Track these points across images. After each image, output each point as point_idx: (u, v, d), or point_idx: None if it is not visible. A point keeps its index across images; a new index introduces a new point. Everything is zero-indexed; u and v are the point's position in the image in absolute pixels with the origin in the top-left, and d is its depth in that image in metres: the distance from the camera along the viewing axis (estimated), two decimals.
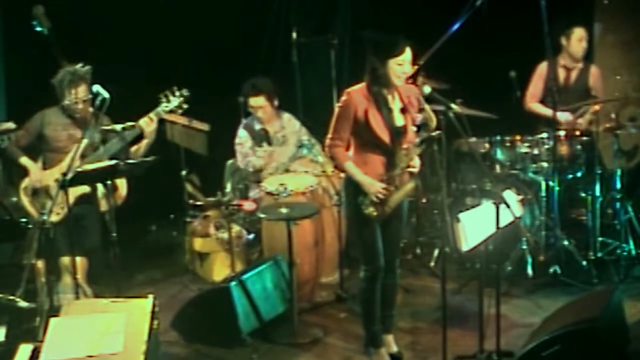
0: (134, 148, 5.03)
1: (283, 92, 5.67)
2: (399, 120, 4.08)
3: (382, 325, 4.35)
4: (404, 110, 4.11)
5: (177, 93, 5.00)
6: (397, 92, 4.09)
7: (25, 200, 4.97)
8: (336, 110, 4.12)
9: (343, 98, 4.07)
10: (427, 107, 4.04)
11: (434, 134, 4.02)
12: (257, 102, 5.52)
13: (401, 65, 3.96)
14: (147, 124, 4.93)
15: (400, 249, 4.40)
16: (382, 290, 4.29)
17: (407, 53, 3.98)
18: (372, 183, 4.03)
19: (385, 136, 4.02)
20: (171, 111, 5.01)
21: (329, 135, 4.12)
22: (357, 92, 4.05)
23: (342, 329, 4.81)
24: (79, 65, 4.90)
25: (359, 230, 4.16)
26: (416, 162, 4.12)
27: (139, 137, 5.01)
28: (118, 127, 4.61)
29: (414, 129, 4.13)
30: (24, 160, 4.98)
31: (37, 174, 4.96)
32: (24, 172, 5.00)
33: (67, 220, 4.63)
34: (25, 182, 4.98)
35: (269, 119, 5.59)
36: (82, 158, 4.84)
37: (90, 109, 4.90)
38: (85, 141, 4.85)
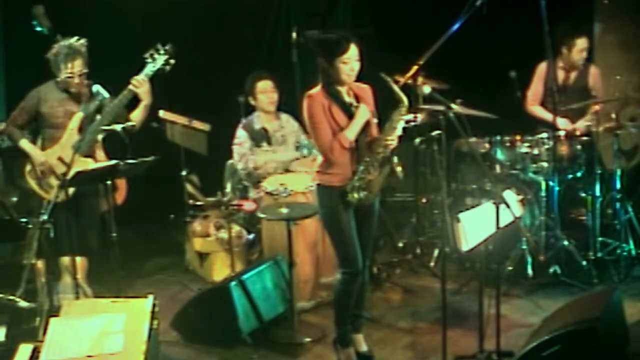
0: (133, 113, 4.92)
1: (283, 92, 5.67)
2: None
3: (352, 325, 4.33)
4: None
5: (162, 50, 4.85)
6: (350, 90, 4.09)
7: (33, 183, 4.93)
8: (310, 117, 3.99)
9: (307, 101, 4.01)
10: (395, 88, 4.01)
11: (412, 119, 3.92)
12: (266, 84, 5.53)
13: (347, 63, 3.95)
14: (139, 88, 4.81)
15: (371, 249, 4.35)
16: None
17: (352, 50, 3.95)
18: None
19: None
20: (159, 69, 4.84)
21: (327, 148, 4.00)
22: (317, 94, 4.03)
23: None
24: (74, 39, 4.83)
25: (337, 233, 4.11)
26: (394, 136, 4.06)
27: (136, 101, 4.90)
28: (118, 127, 4.57)
29: (376, 120, 4.13)
30: (24, 143, 4.92)
31: (39, 157, 4.90)
32: (24, 165, 4.97)
33: (67, 209, 4.60)
34: (29, 166, 4.94)
35: (273, 106, 5.55)
36: (79, 131, 4.83)
37: (85, 82, 4.85)
38: (80, 114, 4.82)
